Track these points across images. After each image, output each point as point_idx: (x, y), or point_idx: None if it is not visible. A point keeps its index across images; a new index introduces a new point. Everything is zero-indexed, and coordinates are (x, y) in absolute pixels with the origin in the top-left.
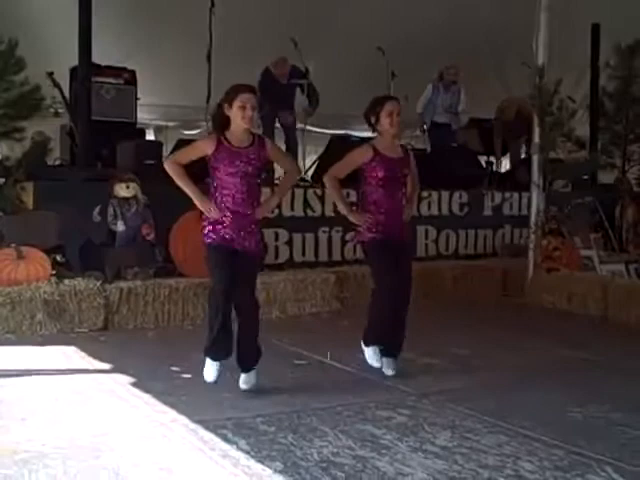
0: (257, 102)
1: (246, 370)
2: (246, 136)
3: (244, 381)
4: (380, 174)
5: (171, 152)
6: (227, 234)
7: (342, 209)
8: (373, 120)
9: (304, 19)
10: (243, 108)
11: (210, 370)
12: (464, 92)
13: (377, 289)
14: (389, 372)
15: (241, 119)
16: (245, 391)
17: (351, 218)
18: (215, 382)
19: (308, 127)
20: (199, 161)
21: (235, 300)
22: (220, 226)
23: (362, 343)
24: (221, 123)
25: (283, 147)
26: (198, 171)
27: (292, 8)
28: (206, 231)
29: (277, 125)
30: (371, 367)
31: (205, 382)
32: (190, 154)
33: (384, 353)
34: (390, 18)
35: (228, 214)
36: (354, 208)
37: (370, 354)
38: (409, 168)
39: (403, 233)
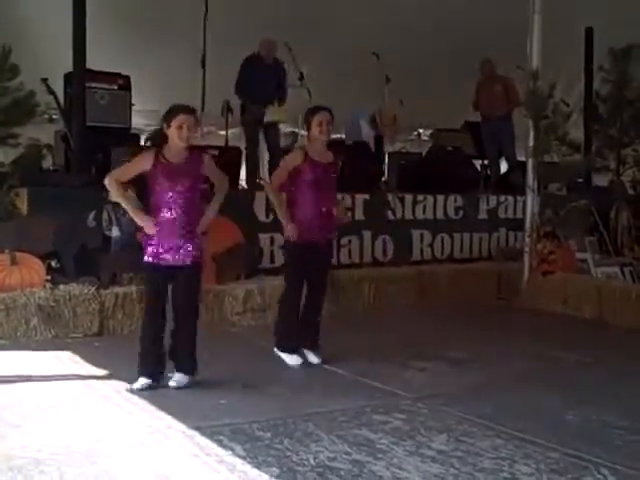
0: (196, 122)
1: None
2: (183, 152)
3: (178, 379)
4: (309, 177)
5: None
6: (161, 250)
7: (281, 217)
8: (305, 128)
9: (298, 24)
10: (180, 128)
11: None
12: None
13: (286, 293)
14: (315, 360)
15: (178, 138)
16: (237, 395)
17: (285, 225)
18: None
19: (302, 132)
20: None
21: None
22: (155, 242)
23: (276, 349)
24: (160, 140)
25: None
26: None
27: (286, 13)
28: (145, 248)
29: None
30: (366, 371)
31: (200, 389)
32: (130, 171)
33: (306, 347)
34: (385, 23)
35: (164, 227)
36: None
37: (288, 358)
38: (337, 172)
39: (329, 237)
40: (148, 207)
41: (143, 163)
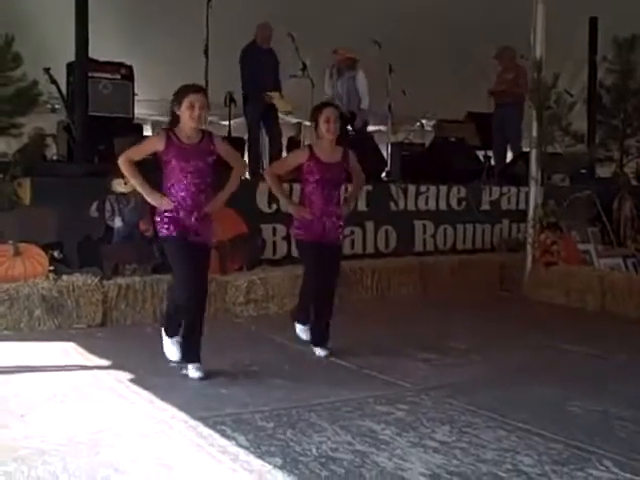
0: (206, 102)
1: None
2: (195, 133)
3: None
4: (315, 177)
5: None
6: (181, 224)
7: (282, 201)
8: (313, 125)
9: (301, 13)
10: (191, 107)
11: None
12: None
13: (305, 286)
14: (322, 353)
15: (189, 118)
16: (241, 386)
17: (291, 209)
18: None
19: (306, 122)
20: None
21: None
22: (173, 216)
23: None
24: (172, 121)
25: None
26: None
27: (289, 2)
28: (160, 224)
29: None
30: (368, 363)
31: (204, 378)
32: (142, 151)
33: (314, 344)
34: (387, 11)
35: (180, 207)
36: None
37: (300, 329)
38: (346, 172)
39: (336, 234)
40: (159, 189)
41: (156, 143)
